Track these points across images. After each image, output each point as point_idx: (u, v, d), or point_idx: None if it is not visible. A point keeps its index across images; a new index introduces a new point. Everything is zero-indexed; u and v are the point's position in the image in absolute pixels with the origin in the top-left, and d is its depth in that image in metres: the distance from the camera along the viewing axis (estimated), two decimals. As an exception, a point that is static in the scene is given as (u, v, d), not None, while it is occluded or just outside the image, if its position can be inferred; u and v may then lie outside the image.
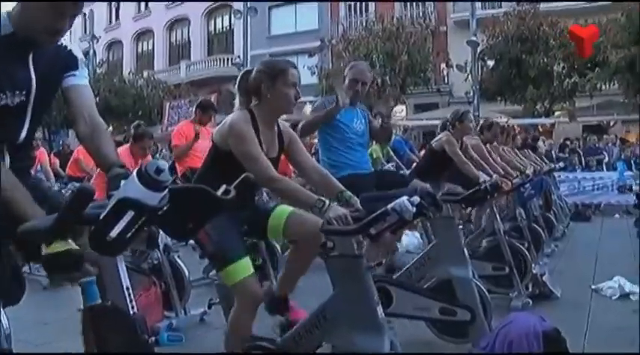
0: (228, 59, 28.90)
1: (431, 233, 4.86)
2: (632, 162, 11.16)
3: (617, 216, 10.55)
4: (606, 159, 11.92)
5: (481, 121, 7.06)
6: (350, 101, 3.80)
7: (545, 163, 9.04)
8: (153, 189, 1.06)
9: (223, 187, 1.26)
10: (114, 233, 1.07)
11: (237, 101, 2.68)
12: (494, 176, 4.34)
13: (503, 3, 21.63)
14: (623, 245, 7.33)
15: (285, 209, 2.56)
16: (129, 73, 29.32)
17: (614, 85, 16.75)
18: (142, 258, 3.96)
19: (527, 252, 4.49)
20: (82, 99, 1.85)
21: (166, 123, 26.97)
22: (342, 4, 26.57)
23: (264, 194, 6.09)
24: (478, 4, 22.54)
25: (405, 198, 1.86)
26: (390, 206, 1.88)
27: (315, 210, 2.14)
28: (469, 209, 4.87)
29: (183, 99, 25.99)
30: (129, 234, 1.09)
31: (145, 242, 3.49)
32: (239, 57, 22.97)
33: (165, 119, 27.09)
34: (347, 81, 3.83)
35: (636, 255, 6.49)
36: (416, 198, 1.88)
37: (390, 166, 7.52)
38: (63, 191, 5.60)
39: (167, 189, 1.11)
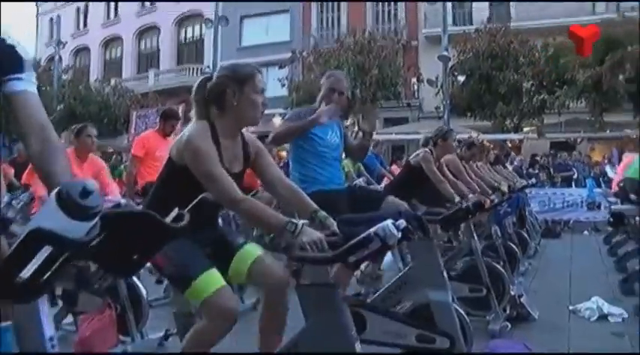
0: (197, 69, 28.59)
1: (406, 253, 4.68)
2: (600, 179, 11.21)
3: (585, 232, 10.57)
4: (575, 175, 11.98)
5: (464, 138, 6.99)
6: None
7: (517, 179, 9.01)
8: (77, 217, 0.81)
9: (175, 211, 1.01)
10: (25, 273, 0.81)
11: (193, 113, 2.40)
12: (471, 195, 4.17)
13: (474, 20, 21.84)
14: (595, 262, 7.28)
15: (252, 251, 2.31)
16: (95, 81, 28.69)
17: (581, 103, 16.98)
18: (95, 276, 3.64)
19: (505, 273, 4.33)
20: (31, 108, 1.54)
21: (133, 132, 26.25)
22: (313, 17, 26.52)
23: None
24: (450, 21, 22.80)
25: (389, 222, 1.64)
26: (372, 230, 1.65)
27: (286, 234, 1.89)
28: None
29: (151, 109, 25.44)
30: (47, 275, 0.83)
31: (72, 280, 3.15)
32: (208, 67, 22.64)
33: (132, 128, 26.47)
34: (323, 90, 3.61)
35: (609, 273, 6.45)
36: (402, 222, 1.66)
37: (360, 181, 7.32)
38: (14, 202, 5.23)
39: (98, 217, 0.86)
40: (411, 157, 4.97)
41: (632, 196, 4.47)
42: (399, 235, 1.64)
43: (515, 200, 5.23)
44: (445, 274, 3.11)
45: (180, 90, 28.21)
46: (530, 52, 18.04)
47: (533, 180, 9.48)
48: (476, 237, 4.19)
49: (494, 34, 18.50)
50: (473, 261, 4.20)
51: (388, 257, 5.89)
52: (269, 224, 2.03)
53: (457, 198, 4.14)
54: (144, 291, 3.77)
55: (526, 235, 6.71)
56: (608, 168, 11.27)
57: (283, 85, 20.36)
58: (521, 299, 4.44)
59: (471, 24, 21.39)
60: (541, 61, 17.68)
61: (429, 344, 2.92)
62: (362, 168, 8.54)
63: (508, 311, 4.39)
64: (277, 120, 28.20)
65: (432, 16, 22.05)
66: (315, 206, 2.21)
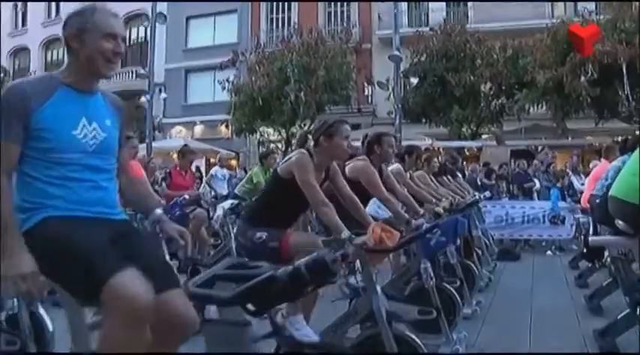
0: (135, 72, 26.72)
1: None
2: (565, 192, 9.81)
3: (549, 252, 9.15)
4: (537, 186, 10.59)
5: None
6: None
7: (468, 192, 7.55)
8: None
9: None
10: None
11: None
12: (375, 226, 2.57)
13: (430, 22, 20.56)
14: (561, 296, 5.80)
15: None
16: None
17: (542, 107, 15.78)
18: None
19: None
20: None
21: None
22: (262, 18, 24.97)
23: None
24: (405, 22, 21.50)
25: None
26: None
27: None
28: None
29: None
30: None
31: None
32: (145, 69, 20.72)
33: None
34: (88, 36, 1.98)
35: (579, 313, 5.01)
36: None
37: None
38: None
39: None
40: (281, 162, 3.37)
41: (620, 223, 3.00)
42: None
43: (453, 224, 3.72)
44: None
45: (123, 94, 26.37)
46: (487, 53, 16.76)
47: (487, 194, 8.03)
48: (379, 291, 2.62)
49: (449, 33, 17.19)
50: (377, 328, 2.64)
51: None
52: None
53: (345, 233, 2.59)
54: (50, 326, 3.18)
55: (474, 266, 5.17)
56: (574, 179, 9.89)
57: (224, 88, 18.62)
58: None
59: (427, 26, 20.10)
60: (499, 63, 16.42)
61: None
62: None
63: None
64: (198, 128, 26.19)
65: (386, 17, 20.73)
66: None
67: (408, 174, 5.24)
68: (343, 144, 3.23)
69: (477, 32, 17.64)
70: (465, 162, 13.62)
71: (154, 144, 19.64)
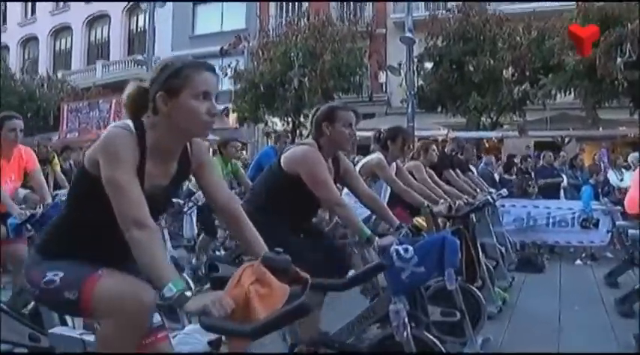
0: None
1: None
2: (599, 190, 8.33)
3: (578, 262, 7.73)
4: (565, 182, 9.14)
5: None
6: None
7: (482, 191, 6.18)
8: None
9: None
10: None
11: None
12: (247, 267, 1.30)
13: (449, 6, 19.06)
14: (599, 333, 4.41)
15: None
16: (21, 71, 26.23)
17: (570, 94, 14.16)
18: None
19: None
20: None
21: (65, 128, 23.43)
22: (272, 3, 23.70)
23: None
24: (421, 4, 20.04)
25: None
26: None
27: None
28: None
29: (82, 102, 22.50)
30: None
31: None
32: (143, 56, 19.61)
33: (63, 124, 23.55)
34: None
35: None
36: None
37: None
38: None
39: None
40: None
41: None
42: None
43: (435, 246, 2.39)
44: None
45: (123, 84, 25.49)
46: (509, 34, 15.15)
47: (504, 192, 6.65)
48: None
49: (467, 13, 15.65)
50: None
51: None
52: None
53: (168, 290, 1.32)
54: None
55: (479, 293, 3.83)
56: (612, 175, 8.39)
57: (225, 75, 17.33)
58: None
59: (446, 7, 18.55)
60: (522, 45, 14.82)
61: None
62: (241, 171, 5.73)
63: None
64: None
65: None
66: None
67: (394, 166, 3.94)
68: (198, 107, 1.72)
69: (499, 12, 16.09)
70: (485, 154, 12.23)
71: (155, 133, 18.67)
